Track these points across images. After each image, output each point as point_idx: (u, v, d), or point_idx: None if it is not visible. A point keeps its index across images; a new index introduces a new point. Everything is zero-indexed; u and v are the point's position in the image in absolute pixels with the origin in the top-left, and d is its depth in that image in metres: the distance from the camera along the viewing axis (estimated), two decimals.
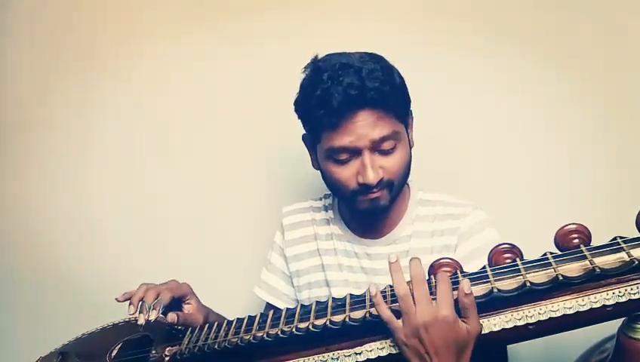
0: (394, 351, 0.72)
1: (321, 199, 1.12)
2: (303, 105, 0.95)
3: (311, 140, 0.99)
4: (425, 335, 0.68)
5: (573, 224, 0.70)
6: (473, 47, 1.25)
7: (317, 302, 0.79)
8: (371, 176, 0.89)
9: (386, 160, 0.91)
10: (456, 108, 1.27)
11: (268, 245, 1.18)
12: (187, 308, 0.95)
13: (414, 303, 0.69)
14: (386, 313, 0.71)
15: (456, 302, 0.69)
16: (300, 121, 0.99)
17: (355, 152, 0.90)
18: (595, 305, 0.65)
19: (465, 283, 0.68)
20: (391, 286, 0.75)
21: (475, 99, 1.27)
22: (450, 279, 0.72)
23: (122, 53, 1.48)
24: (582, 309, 0.65)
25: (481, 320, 0.69)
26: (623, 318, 0.67)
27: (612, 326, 0.70)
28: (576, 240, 0.69)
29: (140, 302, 0.88)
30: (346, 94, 0.86)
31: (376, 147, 0.89)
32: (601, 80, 1.19)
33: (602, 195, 1.20)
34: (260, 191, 1.42)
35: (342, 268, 1.04)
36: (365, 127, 0.87)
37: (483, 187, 1.24)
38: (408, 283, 0.71)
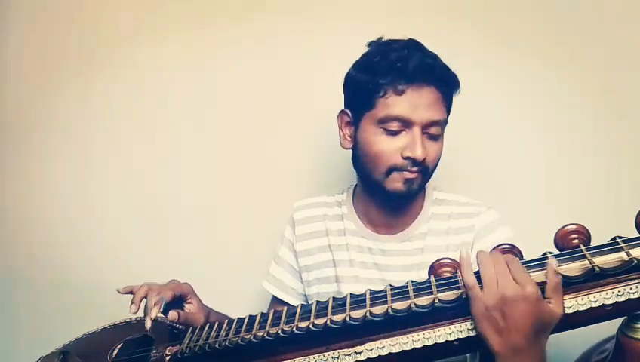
0: (394, 350, 0.72)
1: (334, 195, 1.12)
2: (368, 71, 0.94)
3: (357, 111, 0.97)
4: (507, 309, 0.64)
5: (573, 224, 0.70)
6: (473, 47, 1.25)
7: (317, 301, 0.79)
8: (419, 152, 0.91)
9: (430, 144, 0.94)
10: (455, 108, 1.26)
11: (268, 245, 1.18)
12: (188, 307, 0.95)
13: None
14: (470, 278, 0.67)
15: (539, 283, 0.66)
16: (345, 94, 1.00)
17: (407, 125, 0.92)
18: (594, 305, 0.65)
19: (554, 262, 0.66)
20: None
21: (475, 99, 1.26)
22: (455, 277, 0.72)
23: (122, 53, 1.49)
24: (581, 309, 0.65)
25: None
26: (623, 318, 0.68)
27: (612, 326, 0.70)
28: (575, 241, 0.69)
29: (143, 302, 0.89)
30: (422, 61, 0.91)
31: (426, 128, 0.92)
32: (601, 80, 1.20)
33: (602, 195, 1.20)
34: (260, 191, 1.42)
35: (353, 263, 1.04)
36: (426, 104, 0.91)
37: (483, 187, 1.24)
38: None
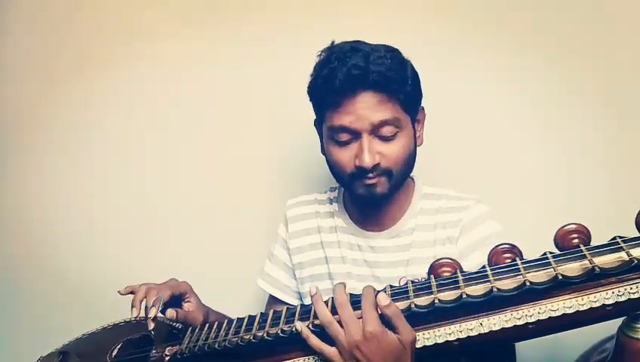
0: None
1: (326, 192, 1.13)
2: (312, 86, 0.96)
3: (318, 122, 1.00)
4: (359, 354, 0.69)
5: (573, 224, 0.69)
6: (473, 47, 1.25)
7: None
8: (367, 159, 0.89)
9: (385, 146, 0.91)
10: (455, 108, 1.27)
11: (268, 244, 1.18)
12: (187, 306, 0.95)
13: (342, 326, 0.71)
14: (316, 344, 0.72)
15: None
16: (311, 105, 1.00)
17: (355, 134, 0.91)
18: (594, 305, 0.65)
19: (381, 297, 0.70)
20: (391, 286, 0.76)
21: (475, 99, 1.27)
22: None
23: (122, 53, 1.49)
24: (581, 309, 0.65)
25: (480, 320, 0.69)
26: (623, 318, 0.67)
27: (612, 326, 0.70)
28: (575, 240, 0.69)
29: (143, 304, 0.89)
30: (348, 74, 0.88)
31: (376, 131, 0.90)
32: (601, 80, 1.19)
33: (602, 195, 1.20)
34: (259, 191, 1.42)
35: (345, 260, 1.04)
36: (365, 108, 0.89)
37: (482, 187, 1.23)
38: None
